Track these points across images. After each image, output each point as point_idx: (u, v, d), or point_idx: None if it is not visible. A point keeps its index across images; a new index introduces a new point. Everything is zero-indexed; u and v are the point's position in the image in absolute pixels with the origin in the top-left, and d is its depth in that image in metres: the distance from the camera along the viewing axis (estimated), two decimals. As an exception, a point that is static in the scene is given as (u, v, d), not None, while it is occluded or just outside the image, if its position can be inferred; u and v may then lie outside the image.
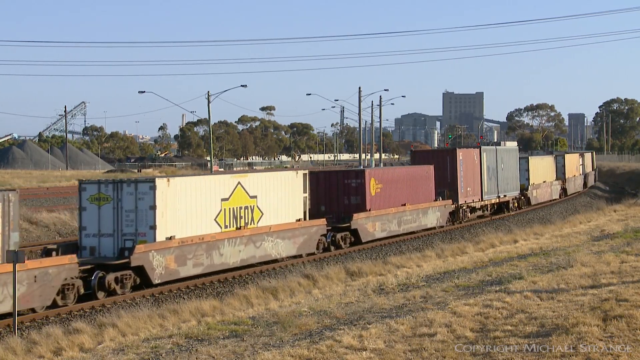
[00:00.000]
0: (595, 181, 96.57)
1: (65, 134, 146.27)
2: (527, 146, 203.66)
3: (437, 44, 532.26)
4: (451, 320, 17.50)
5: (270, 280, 28.56)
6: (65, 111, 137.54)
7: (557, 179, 73.58)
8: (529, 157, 65.69)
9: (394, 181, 43.09)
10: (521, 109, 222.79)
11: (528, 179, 61.74)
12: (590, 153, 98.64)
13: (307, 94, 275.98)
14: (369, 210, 40.04)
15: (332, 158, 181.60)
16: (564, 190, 74.79)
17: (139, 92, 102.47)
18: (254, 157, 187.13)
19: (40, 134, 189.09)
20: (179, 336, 18.19)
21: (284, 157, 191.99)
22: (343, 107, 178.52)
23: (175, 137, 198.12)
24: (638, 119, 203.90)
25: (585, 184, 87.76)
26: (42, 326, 22.43)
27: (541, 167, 67.38)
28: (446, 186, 48.75)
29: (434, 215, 46.42)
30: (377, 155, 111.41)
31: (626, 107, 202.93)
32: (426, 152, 59.95)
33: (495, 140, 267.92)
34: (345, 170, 43.97)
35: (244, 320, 19.89)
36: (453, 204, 48.80)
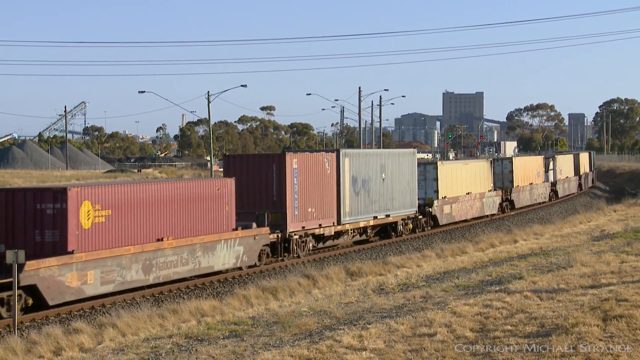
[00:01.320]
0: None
1: (65, 134, 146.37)
2: (527, 146, 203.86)
3: (437, 44, 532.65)
4: (451, 320, 17.50)
5: (270, 280, 28.57)
6: (65, 111, 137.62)
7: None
8: (435, 163, 51.87)
9: (138, 204, 27.68)
10: (521, 109, 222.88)
11: (437, 191, 48.78)
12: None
13: (307, 94, 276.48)
14: (72, 252, 25.12)
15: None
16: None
17: (139, 92, 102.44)
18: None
19: (40, 134, 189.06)
20: (179, 336, 18.19)
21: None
22: (343, 107, 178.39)
23: (175, 137, 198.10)
24: (638, 119, 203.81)
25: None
26: (42, 326, 22.43)
27: (471, 175, 54.63)
28: (269, 206, 34.97)
29: (230, 252, 31.41)
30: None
31: (626, 107, 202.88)
32: (245, 157, 41.73)
33: (495, 140, 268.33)
34: (38, 189, 27.42)
35: (243, 320, 19.89)
36: (276, 232, 34.45)
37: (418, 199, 46.22)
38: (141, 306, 24.44)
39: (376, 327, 17.22)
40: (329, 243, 39.53)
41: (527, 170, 64.91)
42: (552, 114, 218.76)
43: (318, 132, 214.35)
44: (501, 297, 20.01)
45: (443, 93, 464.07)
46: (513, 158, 65.05)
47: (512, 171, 61.09)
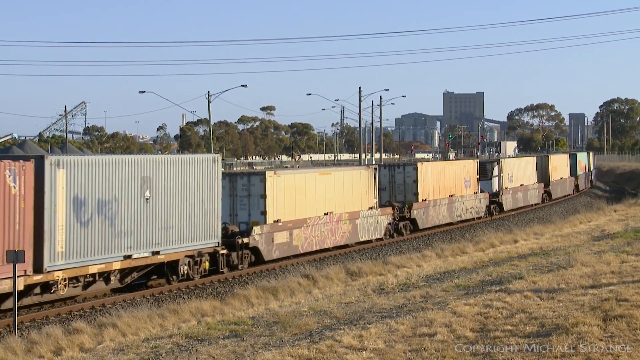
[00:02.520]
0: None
1: (65, 134, 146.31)
2: (528, 146, 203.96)
3: (437, 44, 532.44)
4: (451, 320, 17.49)
5: (270, 280, 28.59)
6: (65, 111, 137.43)
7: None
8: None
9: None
10: (522, 109, 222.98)
11: (265, 213, 34.84)
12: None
13: (307, 94, 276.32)
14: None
15: (332, 158, 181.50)
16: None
17: (139, 92, 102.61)
18: (254, 157, 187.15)
19: (40, 134, 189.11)
20: (179, 336, 18.19)
21: (284, 157, 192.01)
22: (343, 107, 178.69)
23: (176, 137, 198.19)
24: (638, 118, 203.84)
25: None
26: (42, 326, 22.43)
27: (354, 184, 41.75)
28: None
29: None
30: (377, 155, 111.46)
31: (626, 107, 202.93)
32: None
33: (496, 140, 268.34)
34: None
35: (244, 320, 19.89)
36: None
37: (240, 223, 34.74)
38: (141, 306, 24.45)
39: (376, 327, 17.22)
40: (29, 301, 25.29)
41: (447, 178, 50.68)
42: (553, 114, 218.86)
43: (318, 132, 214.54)
44: (501, 297, 20.01)
45: (443, 93, 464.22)
46: (420, 164, 48.71)
47: (416, 181, 46.85)
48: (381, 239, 42.64)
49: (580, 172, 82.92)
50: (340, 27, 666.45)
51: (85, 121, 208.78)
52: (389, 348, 15.51)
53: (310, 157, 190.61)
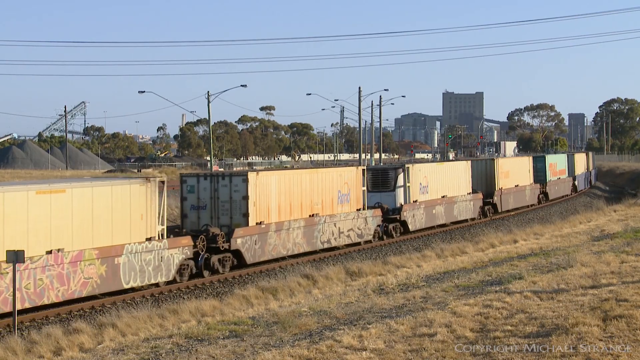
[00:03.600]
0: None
1: (65, 134, 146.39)
2: (527, 146, 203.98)
3: (437, 44, 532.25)
4: (451, 320, 17.49)
5: (270, 280, 28.59)
6: (65, 111, 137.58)
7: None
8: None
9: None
10: (522, 109, 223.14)
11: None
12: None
13: (307, 94, 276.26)
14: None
15: (332, 158, 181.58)
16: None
17: (139, 92, 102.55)
18: (254, 157, 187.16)
19: (40, 134, 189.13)
20: (179, 336, 18.19)
21: (284, 157, 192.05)
22: (343, 107, 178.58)
23: (175, 137, 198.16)
24: (638, 119, 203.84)
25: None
26: (42, 326, 22.45)
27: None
28: None
29: None
30: (377, 155, 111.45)
31: (626, 107, 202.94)
32: None
33: (495, 140, 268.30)
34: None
35: (244, 320, 19.89)
36: None
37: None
38: (141, 306, 24.45)
39: (376, 327, 17.22)
40: None
41: (307, 192, 37.00)
42: (552, 114, 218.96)
43: (318, 132, 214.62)
44: (501, 297, 20.01)
45: (443, 93, 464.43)
46: (254, 174, 34.12)
47: (247, 197, 33.16)
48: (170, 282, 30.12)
49: (551, 177, 71.46)
50: (340, 27, 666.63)
51: (85, 121, 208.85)
52: (389, 348, 15.51)
53: (310, 157, 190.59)
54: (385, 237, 43.45)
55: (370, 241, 41.70)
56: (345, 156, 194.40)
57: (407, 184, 45.94)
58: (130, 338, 18.87)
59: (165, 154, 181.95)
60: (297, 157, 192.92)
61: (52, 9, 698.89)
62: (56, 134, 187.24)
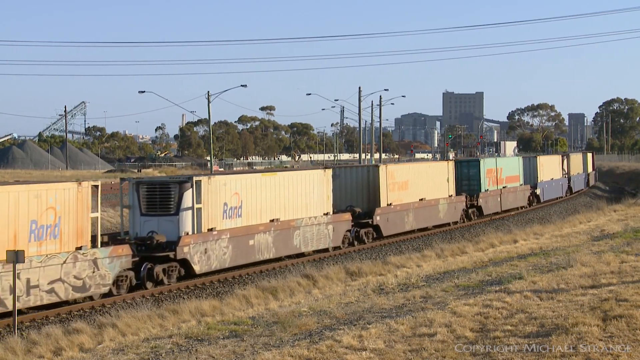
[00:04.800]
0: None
1: (65, 134, 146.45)
2: (527, 146, 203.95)
3: (437, 44, 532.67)
4: (451, 320, 17.49)
5: (270, 280, 28.57)
6: (65, 111, 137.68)
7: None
8: None
9: None
10: (522, 109, 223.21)
11: None
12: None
13: (307, 94, 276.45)
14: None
15: (332, 158, 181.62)
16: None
17: (139, 92, 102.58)
18: (254, 157, 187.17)
19: (40, 134, 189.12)
20: (179, 336, 18.19)
21: (284, 157, 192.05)
22: (343, 107, 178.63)
23: (175, 137, 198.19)
24: (638, 118, 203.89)
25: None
26: (42, 326, 22.43)
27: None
28: None
29: None
30: (377, 155, 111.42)
31: (626, 107, 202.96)
32: None
33: (495, 140, 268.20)
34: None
35: (243, 320, 19.89)
36: None
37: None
38: (141, 306, 24.44)
39: (376, 327, 17.22)
40: None
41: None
42: (553, 114, 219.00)
43: (318, 132, 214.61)
44: (501, 297, 20.00)
45: (443, 93, 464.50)
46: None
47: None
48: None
49: (490, 186, 56.32)
50: (340, 27, 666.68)
51: (85, 121, 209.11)
52: (389, 348, 15.51)
53: (310, 157, 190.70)
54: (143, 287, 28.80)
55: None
56: (345, 156, 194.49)
57: (194, 206, 30.45)
58: (130, 338, 18.87)
59: (165, 154, 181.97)
60: (297, 157, 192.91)
61: (52, 9, 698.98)
62: (56, 134, 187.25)
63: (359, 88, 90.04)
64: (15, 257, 20.96)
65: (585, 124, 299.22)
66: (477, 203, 53.93)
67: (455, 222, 50.74)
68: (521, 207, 62.03)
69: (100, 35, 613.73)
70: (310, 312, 20.28)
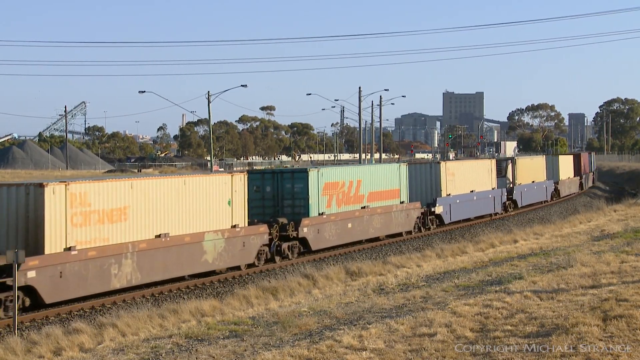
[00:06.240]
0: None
1: (65, 134, 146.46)
2: (527, 146, 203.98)
3: (437, 44, 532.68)
4: (451, 320, 17.49)
5: (270, 280, 28.57)
6: (65, 111, 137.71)
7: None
8: None
9: None
10: (522, 109, 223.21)
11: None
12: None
13: (307, 94, 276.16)
14: None
15: (332, 158, 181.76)
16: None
17: (139, 92, 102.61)
18: (254, 157, 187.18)
19: (40, 134, 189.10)
20: (179, 336, 18.18)
21: (284, 157, 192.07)
22: (343, 107, 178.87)
23: (175, 137, 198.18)
24: (638, 119, 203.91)
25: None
26: (42, 326, 22.43)
27: None
28: None
29: None
30: (377, 155, 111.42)
31: (626, 107, 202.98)
32: None
33: (496, 140, 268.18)
34: None
35: (244, 320, 19.89)
36: None
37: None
38: (141, 306, 24.45)
39: (376, 327, 17.22)
40: None
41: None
42: (553, 114, 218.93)
43: (318, 132, 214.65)
44: (501, 297, 20.00)
45: (443, 93, 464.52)
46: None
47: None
48: None
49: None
50: (340, 27, 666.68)
51: (85, 121, 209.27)
52: (389, 348, 15.50)
53: (310, 157, 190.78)
54: None
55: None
56: (345, 156, 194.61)
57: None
58: (130, 338, 18.87)
59: (166, 154, 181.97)
60: (297, 157, 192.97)
61: (52, 9, 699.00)
62: (56, 134, 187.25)
63: (359, 88, 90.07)
64: (16, 257, 20.96)
65: (586, 124, 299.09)
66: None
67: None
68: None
69: (100, 35, 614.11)
70: (311, 312, 20.28)
